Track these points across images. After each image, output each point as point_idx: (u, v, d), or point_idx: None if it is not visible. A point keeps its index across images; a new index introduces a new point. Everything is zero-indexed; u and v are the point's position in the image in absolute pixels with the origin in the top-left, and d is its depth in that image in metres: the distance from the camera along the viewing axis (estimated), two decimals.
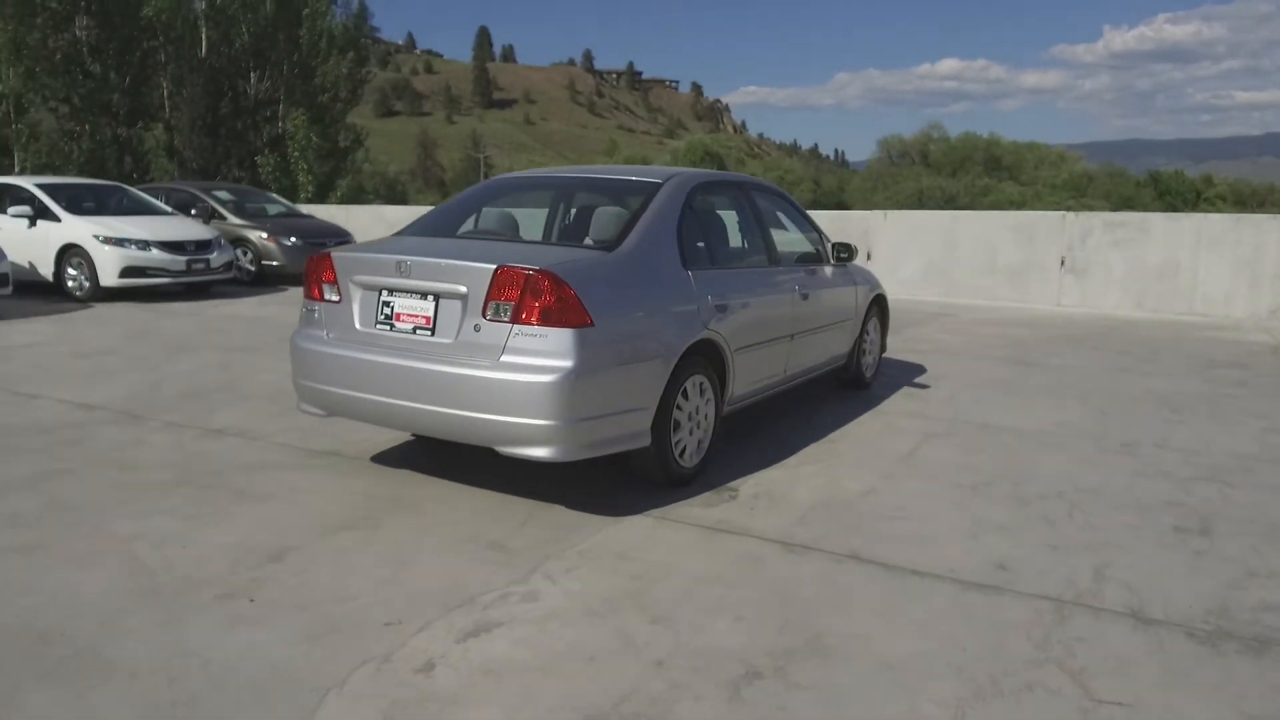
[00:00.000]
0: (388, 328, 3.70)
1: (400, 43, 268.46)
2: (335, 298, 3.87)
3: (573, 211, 4.78)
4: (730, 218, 4.80)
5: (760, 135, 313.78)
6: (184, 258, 10.42)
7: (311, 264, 3.97)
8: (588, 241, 3.97)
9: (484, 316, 3.44)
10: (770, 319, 4.67)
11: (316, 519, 3.57)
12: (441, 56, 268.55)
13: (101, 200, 11.28)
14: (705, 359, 4.10)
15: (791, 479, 4.26)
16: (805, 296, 5.02)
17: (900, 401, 5.97)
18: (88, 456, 4.33)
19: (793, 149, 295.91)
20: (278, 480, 4.04)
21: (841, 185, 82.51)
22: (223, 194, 13.22)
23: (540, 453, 3.40)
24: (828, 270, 5.48)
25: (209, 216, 12.42)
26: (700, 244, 4.28)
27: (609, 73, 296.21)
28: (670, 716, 2.28)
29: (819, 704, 2.36)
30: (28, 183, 10.69)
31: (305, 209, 16.34)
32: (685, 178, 4.37)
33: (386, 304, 3.70)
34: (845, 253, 5.59)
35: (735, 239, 4.76)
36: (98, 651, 2.53)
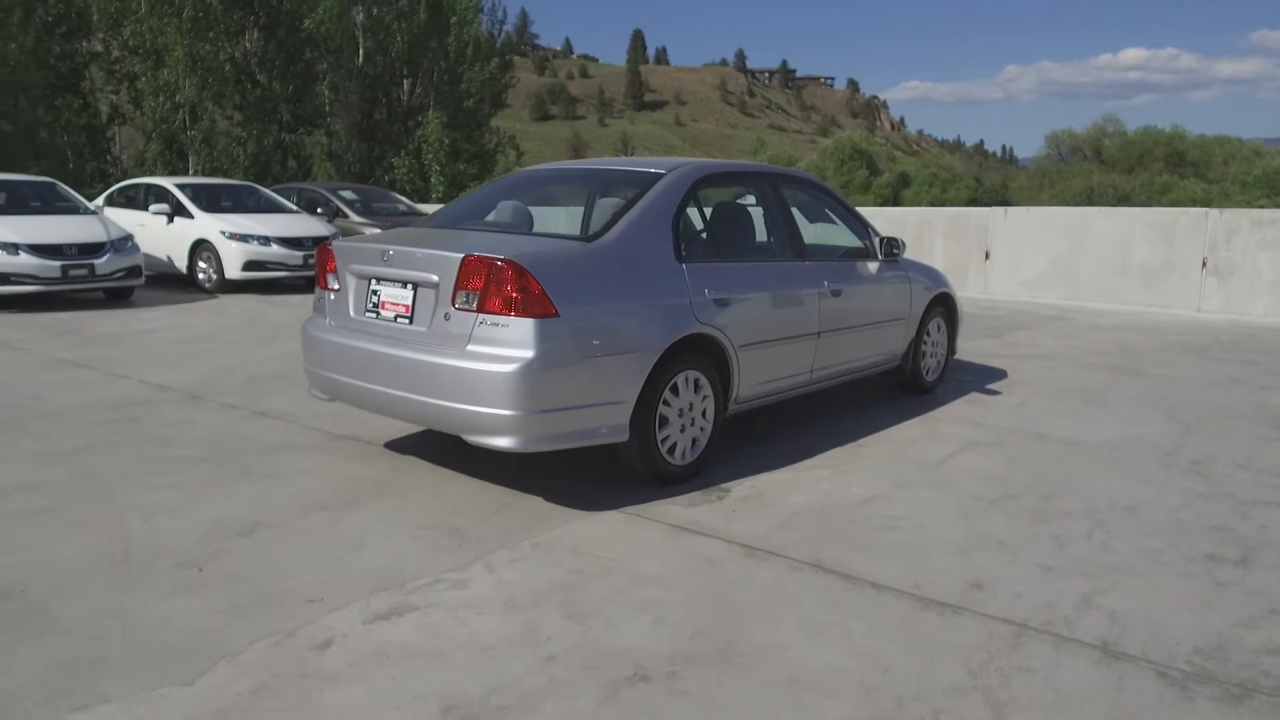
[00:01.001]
0: (374, 315, 3.80)
1: (558, 48, 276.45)
2: (337, 286, 4.01)
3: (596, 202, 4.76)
4: (748, 210, 4.64)
5: (920, 132, 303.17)
6: (301, 253, 11.09)
7: (320, 254, 4.13)
8: (574, 232, 3.93)
9: (453, 305, 3.48)
10: (788, 315, 4.49)
11: (301, 499, 3.71)
12: (597, 60, 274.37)
13: (237, 199, 12.17)
14: (702, 354, 3.99)
15: (794, 482, 4.08)
16: (837, 293, 4.80)
17: (959, 407, 5.61)
18: (135, 432, 4.68)
19: (955, 145, 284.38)
20: (288, 461, 4.23)
21: (1006, 183, 78.32)
22: (348, 194, 14.01)
23: (502, 442, 3.40)
24: (872, 266, 5.21)
25: (334, 215, 13.18)
26: (703, 236, 4.17)
27: (761, 72, 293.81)
28: (533, 712, 2.23)
29: (693, 713, 2.24)
30: (168, 182, 11.68)
31: (432, 209, 17.08)
32: (690, 169, 4.25)
33: (374, 292, 3.81)
34: (895, 248, 5.31)
35: (750, 232, 4.60)
36: (45, 609, 2.72)
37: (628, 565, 3.13)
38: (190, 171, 25.83)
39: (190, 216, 11.14)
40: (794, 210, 4.83)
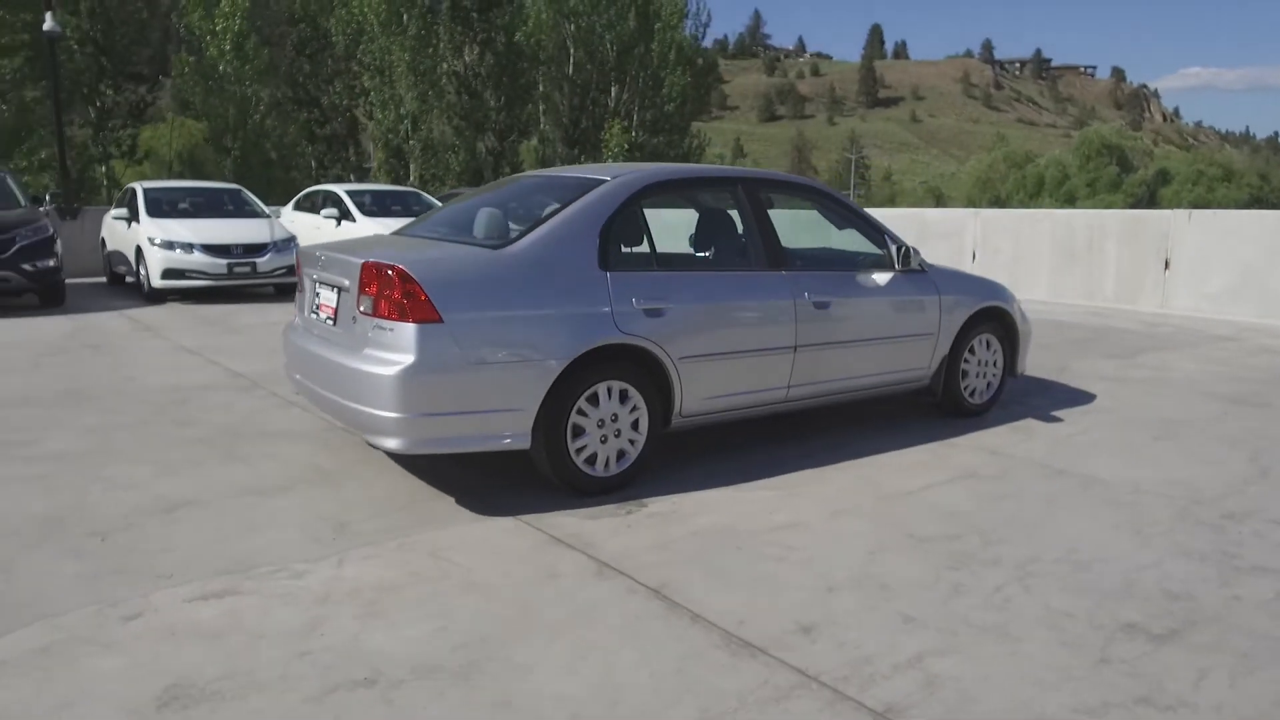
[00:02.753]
0: (315, 316, 4.07)
1: (790, 48, 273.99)
2: (303, 288, 4.32)
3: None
4: (709, 217, 4.47)
5: (1198, 124, 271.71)
6: None
7: (297, 256, 4.46)
8: (485, 239, 3.98)
9: (359, 309, 3.66)
10: (750, 328, 4.29)
11: (247, 482, 4.05)
12: (830, 58, 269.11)
13: (406, 205, 13.20)
14: (630, 365, 3.92)
15: (722, 501, 3.91)
16: (822, 305, 4.52)
17: (996, 434, 5.09)
18: (175, 414, 5.27)
19: (1242, 138, 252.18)
20: (270, 448, 4.61)
21: None
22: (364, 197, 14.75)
23: (389, 443, 3.54)
24: (880, 277, 4.84)
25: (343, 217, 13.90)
26: (641, 244, 4.08)
27: (1010, 62, 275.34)
28: (239, 701, 2.34)
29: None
30: (339, 189, 12.89)
31: None
32: (636, 175, 4.17)
33: (317, 294, 4.08)
34: (910, 258, 4.88)
35: (707, 240, 4.42)
36: None
37: (468, 572, 3.17)
38: (410, 179, 28.26)
39: (353, 220, 12.23)
40: (765, 217, 4.58)
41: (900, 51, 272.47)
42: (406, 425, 3.49)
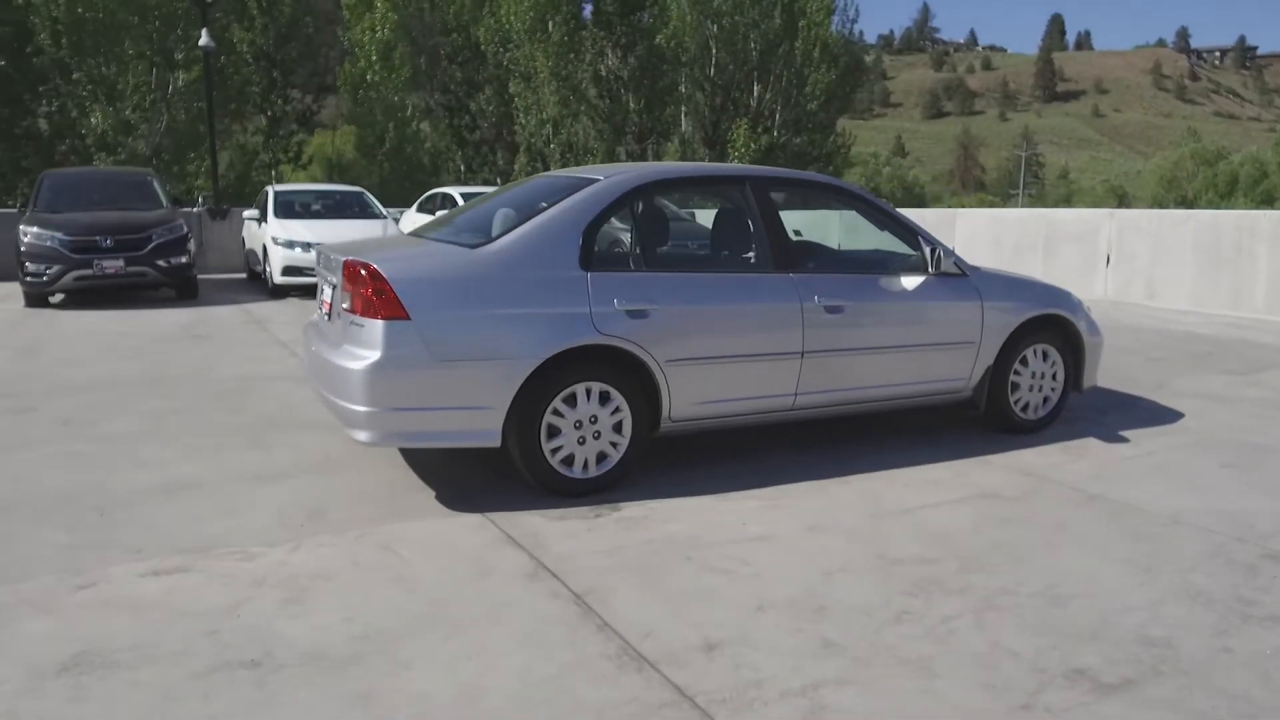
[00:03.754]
0: (320, 313, 4.24)
1: (960, 41, 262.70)
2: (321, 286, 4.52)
3: None
4: (714, 217, 4.33)
5: None
6: None
7: (317, 255, 4.67)
8: (469, 238, 4.00)
9: (344, 306, 3.79)
10: (750, 332, 4.14)
11: (256, 469, 4.28)
12: (1004, 51, 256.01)
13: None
14: (613, 366, 3.87)
15: (700, 510, 3.80)
16: (835, 310, 4.30)
17: (1036, 454, 4.68)
18: (233, 402, 5.63)
19: None
20: (296, 437, 4.84)
21: None
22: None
23: (359, 435, 3.64)
24: (909, 281, 4.55)
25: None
26: (629, 244, 4.01)
27: (1209, 51, 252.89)
28: (116, 670, 2.47)
29: (246, 707, 2.33)
30: (454, 191, 13.39)
31: None
32: (630, 175, 4.09)
33: (323, 291, 4.25)
34: (940, 261, 4.56)
35: (702, 240, 4.28)
36: None
37: (407, 566, 3.22)
38: None
39: (265, 221, 12.39)
40: (774, 217, 4.38)
41: (1083, 42, 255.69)
42: (374, 419, 3.58)
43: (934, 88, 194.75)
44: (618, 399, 3.91)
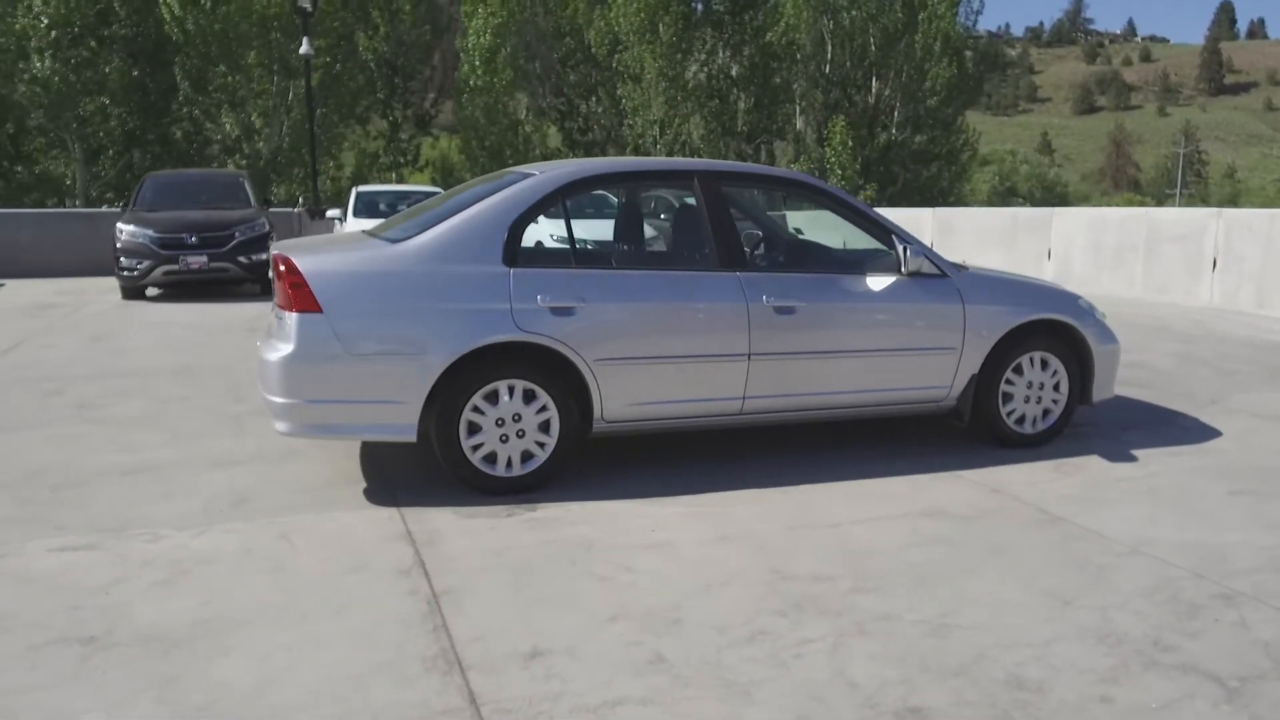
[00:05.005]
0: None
1: (1118, 31, 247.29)
2: None
3: None
4: (656, 213, 4.19)
5: None
6: None
7: None
8: (399, 234, 4.00)
9: (275, 300, 3.88)
10: (689, 332, 4.00)
11: (217, 455, 4.45)
12: (1167, 41, 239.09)
13: (598, 206, 13.68)
14: (538, 364, 3.82)
15: (616, 515, 3.70)
16: (786, 310, 4.10)
17: (1018, 471, 4.32)
18: (242, 391, 5.88)
19: None
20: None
21: None
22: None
23: (278, 426, 3.73)
24: (873, 281, 4.28)
25: None
26: (559, 240, 3.95)
27: None
28: None
29: (57, 679, 2.42)
30: None
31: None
32: (566, 170, 4.01)
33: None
34: (912, 260, 4.27)
35: (639, 237, 4.13)
36: None
37: (291, 556, 3.26)
38: None
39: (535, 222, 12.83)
40: (725, 214, 4.19)
41: (1256, 30, 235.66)
42: (291, 410, 3.66)
43: (1085, 81, 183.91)
44: (544, 398, 3.85)
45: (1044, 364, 4.63)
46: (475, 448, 3.81)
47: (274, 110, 21.75)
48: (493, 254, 3.81)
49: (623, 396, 3.96)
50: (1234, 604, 2.95)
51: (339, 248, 3.99)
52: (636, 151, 29.80)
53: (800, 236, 5.02)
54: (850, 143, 27.06)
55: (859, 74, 33.88)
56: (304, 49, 15.32)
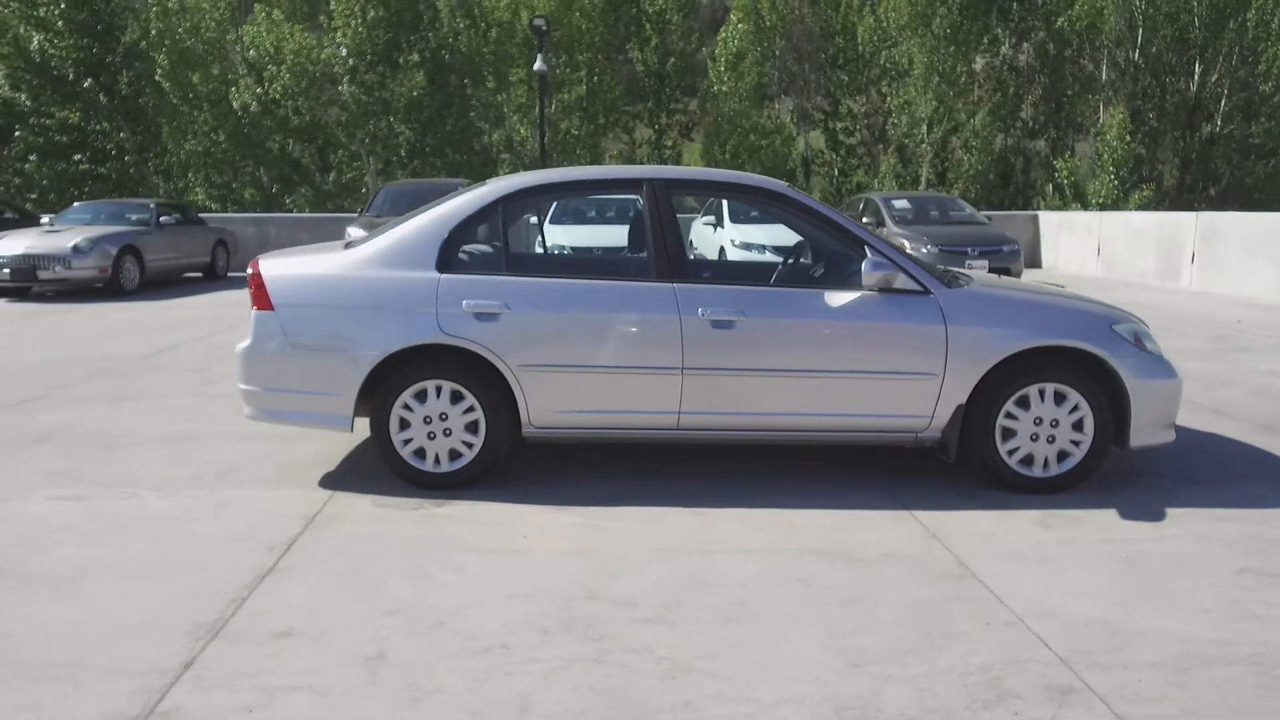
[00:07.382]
0: None
1: None
2: None
3: None
4: (602, 222, 4.12)
5: None
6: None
7: None
8: (358, 241, 4.31)
9: None
10: (611, 341, 3.94)
11: (240, 432, 5.04)
12: None
13: (576, 215, 13.39)
14: (463, 367, 3.99)
15: (509, 519, 3.78)
16: (724, 324, 3.91)
17: (984, 518, 3.77)
18: None
19: None
20: None
21: None
22: (901, 204, 13.83)
23: (245, 409, 4.22)
24: (833, 296, 3.93)
25: (876, 224, 13.36)
26: (493, 248, 4.06)
27: None
28: None
29: None
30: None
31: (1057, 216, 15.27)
32: (510, 182, 4.09)
33: None
34: (881, 272, 3.87)
35: (571, 246, 4.06)
36: None
37: (207, 525, 3.69)
38: (921, 184, 27.64)
39: (722, 226, 12.82)
40: (668, 224, 4.04)
41: None
42: (251, 396, 4.15)
43: None
44: (470, 400, 4.02)
45: (1059, 398, 3.99)
46: (405, 442, 4.06)
47: (534, 123, 23.63)
48: (427, 261, 4.04)
49: (549, 404, 4.02)
50: (1062, 703, 2.44)
51: (306, 254, 4.42)
52: (900, 151, 28.45)
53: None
54: (1128, 136, 23.79)
55: (1177, 59, 29.70)
56: (538, 65, 16.55)
